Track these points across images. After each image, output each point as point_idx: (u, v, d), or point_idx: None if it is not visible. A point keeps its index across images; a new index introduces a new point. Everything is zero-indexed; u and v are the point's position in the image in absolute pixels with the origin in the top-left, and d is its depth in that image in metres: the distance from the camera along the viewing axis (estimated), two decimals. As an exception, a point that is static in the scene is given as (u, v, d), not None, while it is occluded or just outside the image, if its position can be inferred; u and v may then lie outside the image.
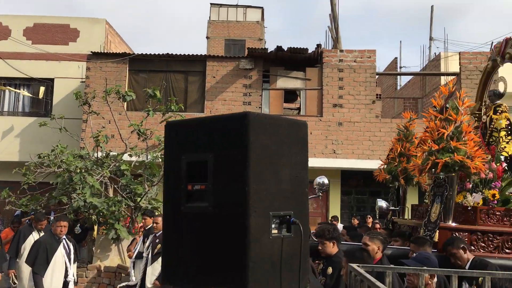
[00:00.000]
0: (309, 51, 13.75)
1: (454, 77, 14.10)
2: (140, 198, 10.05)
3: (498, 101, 5.54)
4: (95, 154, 10.67)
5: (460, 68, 14.03)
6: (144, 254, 6.66)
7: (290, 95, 14.89)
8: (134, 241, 8.33)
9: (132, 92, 11.08)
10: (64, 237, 6.50)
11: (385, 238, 4.41)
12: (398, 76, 18.95)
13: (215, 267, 1.99)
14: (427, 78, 16.18)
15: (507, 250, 4.57)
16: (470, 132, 4.69)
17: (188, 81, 14.04)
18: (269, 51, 13.78)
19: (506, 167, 5.08)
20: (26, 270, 6.87)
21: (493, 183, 4.84)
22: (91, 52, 14.01)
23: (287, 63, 14.04)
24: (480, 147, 5.29)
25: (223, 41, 24.38)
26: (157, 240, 6.43)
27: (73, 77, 14.84)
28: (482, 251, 4.57)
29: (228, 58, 14.24)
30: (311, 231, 4.74)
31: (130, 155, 10.85)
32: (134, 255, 7.20)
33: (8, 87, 14.88)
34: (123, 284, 7.58)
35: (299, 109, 14.97)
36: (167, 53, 13.80)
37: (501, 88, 5.53)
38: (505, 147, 5.22)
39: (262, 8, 25.52)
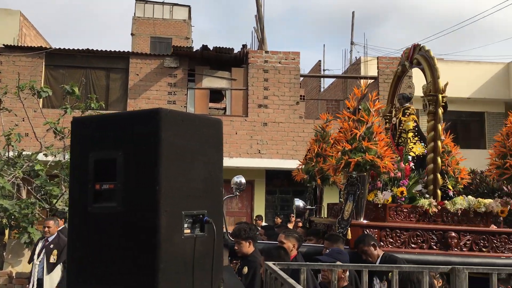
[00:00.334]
0: (235, 52, 13.81)
1: (366, 80, 14.78)
2: (56, 200, 9.58)
3: (406, 104, 5.88)
4: (6, 154, 10.02)
5: (378, 72, 14.74)
6: (36, 261, 6.23)
7: (216, 95, 14.87)
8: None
9: (48, 88, 10.53)
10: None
11: (300, 236, 4.51)
12: (322, 79, 19.57)
13: (125, 269, 1.93)
14: (348, 81, 16.85)
15: (413, 245, 4.85)
16: (381, 132, 4.92)
17: (110, 78, 13.57)
18: (195, 50, 13.67)
19: (413, 167, 5.40)
20: None
21: (401, 182, 5.12)
22: (3, 45, 13.12)
23: (213, 63, 14.01)
24: (390, 147, 5.59)
25: (148, 38, 23.84)
26: (51, 246, 6.12)
27: (-17, 71, 13.81)
28: (390, 246, 4.81)
29: (153, 56, 13.95)
30: (229, 231, 4.75)
31: (46, 155, 10.30)
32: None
33: None
34: None
35: (224, 109, 14.99)
36: (87, 49, 13.24)
37: (410, 91, 5.87)
38: (412, 147, 5.54)
39: (189, 6, 25.27)
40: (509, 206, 5.08)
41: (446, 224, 4.96)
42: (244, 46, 14.21)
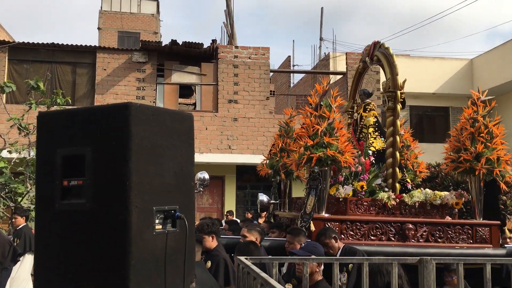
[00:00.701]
0: (205, 47, 13.77)
1: (328, 76, 14.98)
2: (21, 198, 9.39)
3: (367, 100, 6.03)
4: (-32, 151, 9.75)
5: (346, 67, 14.93)
6: (6, 264, 6.13)
7: (186, 91, 14.80)
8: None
9: (12, 84, 10.27)
10: None
11: (262, 230, 4.59)
12: (291, 74, 19.70)
13: (95, 267, 1.89)
14: (318, 77, 17.04)
15: (372, 237, 4.99)
16: (342, 128, 5.04)
17: (77, 73, 13.33)
18: (164, 44, 13.56)
19: (373, 161, 5.54)
20: None
21: (361, 176, 5.26)
22: (-36, 38, 12.75)
23: (182, 58, 13.92)
24: (351, 142, 5.72)
25: (116, 33, 23.41)
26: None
27: None
28: (351, 239, 4.94)
29: (120, 50, 13.76)
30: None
31: (10, 152, 10.07)
32: None
33: None
34: None
35: (194, 104, 14.95)
36: (53, 43, 12.97)
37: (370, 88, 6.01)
38: (372, 142, 5.69)
39: (157, 0, 24.95)
40: (463, 198, 5.28)
41: (404, 217, 5.12)
42: (214, 41, 14.18)
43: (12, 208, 9.46)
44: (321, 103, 5.04)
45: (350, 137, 5.44)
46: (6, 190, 9.72)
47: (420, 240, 5.01)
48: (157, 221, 1.97)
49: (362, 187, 5.16)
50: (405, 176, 5.54)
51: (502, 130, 5.11)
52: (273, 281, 2.65)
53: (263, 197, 6.26)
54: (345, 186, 5.22)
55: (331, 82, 16.16)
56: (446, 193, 5.31)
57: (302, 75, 18.75)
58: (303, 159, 4.90)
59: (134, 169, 1.87)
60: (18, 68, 13.05)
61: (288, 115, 6.31)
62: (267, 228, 5.57)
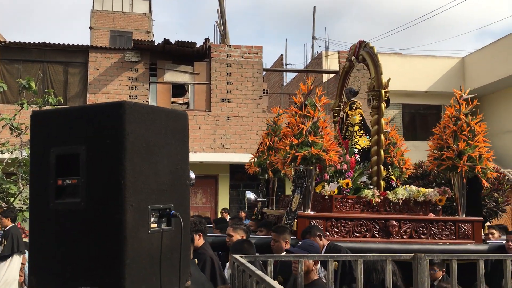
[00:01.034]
0: (197, 46, 13.80)
1: (312, 75, 15.03)
2: (13, 198, 9.40)
3: (353, 98, 6.09)
4: (-40, 151, 9.75)
5: (339, 66, 14.97)
6: None
7: (179, 90, 14.83)
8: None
9: (4, 83, 10.27)
10: None
11: (248, 228, 4.64)
12: (284, 73, 19.76)
13: (90, 266, 1.88)
14: (310, 75, 17.10)
15: (356, 234, 5.06)
16: (326, 127, 5.10)
17: (69, 72, 13.34)
18: (156, 44, 13.58)
19: (359, 159, 5.61)
20: None
21: (346, 174, 5.32)
22: (-45, 38, 12.73)
23: (175, 57, 13.95)
24: (338, 141, 5.79)
25: (108, 32, 23.37)
26: None
27: None
28: (335, 236, 5.00)
29: (113, 50, 13.77)
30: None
31: (2, 152, 10.08)
32: None
33: None
34: None
35: (187, 103, 14.98)
36: (44, 42, 12.98)
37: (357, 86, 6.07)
38: (358, 140, 5.76)
39: (149, -1, 24.97)
40: (447, 195, 5.36)
41: (388, 213, 5.19)
42: (207, 40, 14.20)
43: (4, 208, 9.47)
44: (306, 102, 5.10)
45: (335, 135, 5.49)
46: (-2, 190, 9.73)
47: (404, 237, 5.08)
48: (152, 219, 1.96)
49: (347, 184, 5.23)
50: (390, 173, 5.60)
51: (484, 128, 5.19)
52: (268, 279, 2.67)
53: (250, 195, 6.32)
54: (330, 184, 5.28)
55: (324, 80, 16.24)
56: (430, 190, 5.39)
57: (295, 74, 18.81)
58: (288, 158, 4.96)
59: (129, 167, 1.86)
60: (9, 68, 13.05)
61: (275, 114, 6.37)
62: (254, 226, 5.62)
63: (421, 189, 5.35)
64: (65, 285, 1.94)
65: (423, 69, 16.57)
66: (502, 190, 10.00)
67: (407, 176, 6.07)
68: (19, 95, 11.29)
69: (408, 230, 5.10)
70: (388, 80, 5.45)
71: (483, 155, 5.07)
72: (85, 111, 2.03)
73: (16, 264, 7.09)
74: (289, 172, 5.94)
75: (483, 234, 5.29)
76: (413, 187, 5.40)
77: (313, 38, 19.77)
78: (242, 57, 14.22)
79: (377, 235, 5.07)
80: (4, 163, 9.72)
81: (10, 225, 6.92)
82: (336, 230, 5.03)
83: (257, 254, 3.98)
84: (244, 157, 14.17)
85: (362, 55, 5.76)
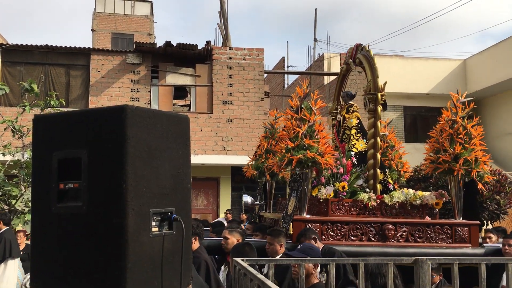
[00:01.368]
0: (199, 48, 13.85)
1: (308, 78, 15.03)
2: (15, 201, 9.45)
3: (350, 102, 6.10)
4: (-38, 154, 9.80)
5: (340, 68, 14.99)
6: None
7: (180, 92, 14.87)
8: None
9: (6, 86, 10.34)
10: None
11: (243, 231, 4.65)
12: (286, 75, 19.77)
13: (92, 270, 1.89)
14: (312, 78, 17.11)
15: (352, 238, 5.06)
16: (322, 130, 5.11)
17: (71, 75, 13.41)
18: (158, 46, 13.63)
19: (355, 162, 5.62)
20: None
21: (342, 177, 5.33)
22: (-42, 41, 12.82)
23: (176, 59, 14.00)
24: (335, 144, 5.80)
25: (110, 34, 23.45)
26: None
27: None
28: (331, 239, 5.00)
29: (114, 52, 13.84)
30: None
31: (3, 154, 10.13)
32: None
33: None
34: None
35: (189, 106, 15.01)
36: (46, 45, 13.05)
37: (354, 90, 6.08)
38: (355, 143, 5.76)
39: (151, 2, 24.98)
40: (444, 198, 5.35)
41: (384, 217, 5.19)
42: (208, 42, 14.25)
43: (7, 211, 9.51)
44: (302, 105, 5.11)
45: (331, 138, 5.50)
46: (0, 192, 9.77)
47: (400, 240, 5.08)
48: (153, 223, 1.96)
49: (343, 187, 5.23)
50: (387, 176, 5.61)
51: (481, 131, 5.18)
52: (270, 283, 2.67)
53: (247, 198, 6.33)
54: (326, 187, 5.28)
55: (325, 83, 16.25)
56: (427, 193, 5.38)
57: (297, 76, 18.83)
58: (284, 161, 4.97)
59: (130, 171, 1.87)
60: (11, 70, 13.13)
61: (273, 117, 6.39)
62: (251, 229, 5.63)
63: (418, 192, 5.35)
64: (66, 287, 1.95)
65: (425, 71, 16.55)
66: (504, 193, 9.96)
67: (405, 179, 6.07)
68: (21, 97, 11.35)
69: (404, 233, 5.10)
70: (385, 83, 5.46)
71: (479, 158, 5.06)
72: (86, 115, 2.05)
73: (10, 270, 6.80)
74: (287, 175, 5.96)
75: (480, 238, 5.29)
76: (410, 191, 5.40)
77: (315, 40, 19.78)
78: (243, 59, 14.25)
79: (373, 239, 5.07)
80: (6, 165, 9.77)
81: (4, 228, 6.71)
82: (332, 233, 5.04)
83: (258, 258, 3.96)
84: (246, 160, 14.14)
85: (359, 58, 5.77)
